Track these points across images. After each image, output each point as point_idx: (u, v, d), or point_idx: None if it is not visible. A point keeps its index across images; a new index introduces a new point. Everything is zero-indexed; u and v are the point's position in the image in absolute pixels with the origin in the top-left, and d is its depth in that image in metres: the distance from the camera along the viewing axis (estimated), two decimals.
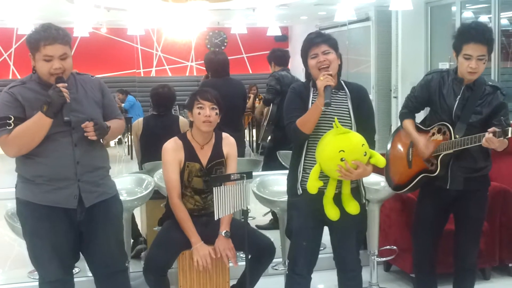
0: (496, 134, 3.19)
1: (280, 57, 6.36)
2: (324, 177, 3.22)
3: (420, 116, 3.86)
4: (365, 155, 3.13)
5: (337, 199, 3.27)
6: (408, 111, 3.79)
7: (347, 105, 3.30)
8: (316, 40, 3.28)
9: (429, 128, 3.65)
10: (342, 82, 3.37)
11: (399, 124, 3.91)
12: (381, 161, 3.20)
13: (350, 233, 3.38)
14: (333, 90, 3.24)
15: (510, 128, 3.17)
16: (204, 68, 5.82)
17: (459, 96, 3.52)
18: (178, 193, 3.71)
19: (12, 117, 2.99)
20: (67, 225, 3.15)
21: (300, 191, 3.30)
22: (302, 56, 3.36)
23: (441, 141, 3.53)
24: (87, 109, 3.14)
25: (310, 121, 3.18)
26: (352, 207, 3.26)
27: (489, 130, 3.23)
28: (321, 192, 3.25)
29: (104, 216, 3.23)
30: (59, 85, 2.98)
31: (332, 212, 3.24)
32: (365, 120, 3.33)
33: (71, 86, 3.12)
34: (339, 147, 3.08)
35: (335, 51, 3.29)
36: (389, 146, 3.99)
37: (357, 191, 3.35)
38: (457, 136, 3.45)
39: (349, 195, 3.27)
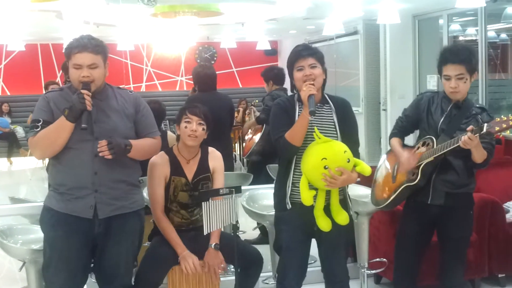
0: (473, 132, 3.23)
1: (278, 76, 6.28)
2: (313, 189, 3.24)
3: (410, 141, 3.90)
4: (348, 162, 3.16)
5: (327, 211, 3.28)
6: (397, 131, 3.83)
7: (332, 119, 3.33)
8: (303, 53, 3.30)
9: (415, 145, 3.69)
10: (326, 96, 3.39)
11: (388, 139, 3.94)
12: (366, 170, 3.23)
13: (339, 244, 3.40)
14: (318, 104, 3.29)
15: (485, 124, 3.22)
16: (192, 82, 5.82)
17: (446, 113, 3.59)
18: (162, 207, 3.72)
19: (42, 120, 3.09)
20: (81, 238, 3.17)
21: (289, 206, 3.31)
22: (288, 68, 3.37)
23: (424, 152, 3.57)
24: (114, 121, 3.19)
25: (299, 133, 3.20)
26: (342, 218, 3.28)
27: (468, 128, 3.28)
28: (308, 206, 3.26)
29: (118, 231, 3.24)
30: (83, 91, 3.04)
31: (324, 224, 3.26)
32: (350, 133, 3.36)
33: (104, 97, 3.21)
34: (321, 155, 3.12)
35: (321, 65, 3.31)
36: (378, 168, 4.02)
37: (344, 202, 3.36)
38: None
39: (338, 206, 3.29)
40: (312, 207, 3.26)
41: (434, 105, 3.65)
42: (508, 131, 4.88)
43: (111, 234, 3.23)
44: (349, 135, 3.34)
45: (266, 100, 6.15)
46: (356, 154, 3.32)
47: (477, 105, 3.65)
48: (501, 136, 6.57)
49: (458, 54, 3.47)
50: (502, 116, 3.20)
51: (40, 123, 3.09)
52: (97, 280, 3.41)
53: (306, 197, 3.21)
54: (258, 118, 6.41)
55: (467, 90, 3.54)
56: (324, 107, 3.35)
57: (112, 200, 3.20)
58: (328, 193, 3.26)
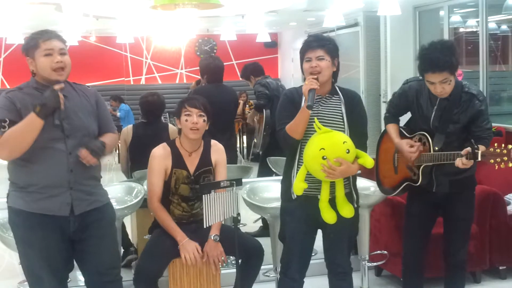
0: (467, 157, 3.27)
1: (254, 69, 6.40)
2: (317, 182, 3.25)
3: (405, 118, 3.90)
4: (348, 153, 3.14)
5: (332, 204, 3.28)
6: (391, 115, 3.85)
7: (341, 110, 3.31)
8: (313, 44, 3.29)
9: (411, 136, 3.68)
10: (336, 87, 3.38)
11: (384, 122, 3.95)
12: (369, 162, 3.22)
13: (343, 236, 3.40)
14: (327, 95, 3.30)
15: (479, 152, 3.24)
16: (195, 75, 5.82)
17: (435, 107, 3.57)
18: (158, 197, 3.71)
19: (8, 120, 2.99)
20: (59, 235, 3.13)
21: (294, 196, 3.31)
22: (300, 58, 3.37)
23: (422, 151, 3.56)
24: (82, 118, 3.14)
25: (298, 126, 3.20)
26: (347, 211, 3.28)
27: (462, 152, 3.29)
28: (314, 197, 3.27)
29: (97, 224, 3.21)
30: (56, 86, 3.00)
31: (329, 216, 3.26)
32: (357, 125, 3.34)
33: (67, 93, 3.13)
34: (320, 145, 3.12)
35: (331, 57, 3.29)
36: (377, 148, 4.01)
37: (350, 196, 3.36)
38: (436, 148, 3.51)
39: (343, 199, 3.28)
40: (317, 199, 3.27)
41: (422, 97, 3.62)
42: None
43: (90, 229, 3.18)
44: (356, 127, 3.33)
45: (256, 88, 6.24)
46: (362, 146, 3.31)
47: (466, 89, 3.54)
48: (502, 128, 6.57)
49: (438, 63, 3.36)
50: (496, 149, 3.21)
51: (6, 123, 2.97)
52: (84, 277, 3.35)
53: (297, 186, 3.22)
54: (255, 106, 6.43)
55: (453, 86, 3.48)
56: (333, 98, 3.35)
57: (86, 196, 3.17)
58: (333, 185, 3.26)
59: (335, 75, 3.37)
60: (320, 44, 3.29)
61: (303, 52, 3.33)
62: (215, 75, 5.60)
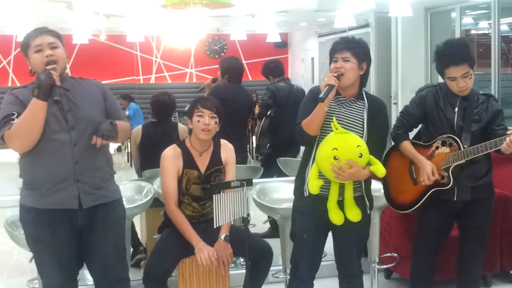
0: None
1: (274, 69, 6.35)
2: (329, 183, 3.23)
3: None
4: (360, 157, 3.12)
5: (341, 205, 3.27)
6: (403, 131, 3.78)
7: (363, 116, 3.30)
8: (339, 46, 3.32)
9: (429, 143, 3.65)
10: (363, 92, 3.37)
11: (392, 139, 3.86)
12: (381, 171, 3.19)
13: (351, 240, 3.39)
14: (351, 99, 3.31)
15: None
16: (208, 74, 5.87)
17: (456, 108, 3.56)
18: (175, 200, 3.70)
19: (16, 113, 3.01)
20: (68, 231, 3.12)
21: (307, 193, 3.30)
22: (329, 59, 3.38)
23: (449, 153, 3.53)
24: (86, 110, 3.14)
25: (314, 122, 3.21)
26: (353, 214, 3.25)
27: (509, 132, 3.31)
28: (325, 198, 3.26)
29: (103, 221, 3.19)
30: (48, 67, 3.01)
31: (336, 217, 3.25)
32: (377, 133, 3.32)
33: (70, 85, 3.15)
34: (333, 145, 3.11)
35: (358, 60, 3.28)
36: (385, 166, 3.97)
37: (362, 200, 3.33)
38: (465, 146, 3.48)
39: (351, 201, 3.26)
40: (327, 199, 3.25)
41: (441, 101, 3.61)
42: None
43: (97, 225, 3.17)
44: (375, 135, 3.30)
45: (263, 95, 6.25)
46: (378, 155, 3.28)
47: (481, 92, 3.63)
48: None
49: (458, 56, 3.44)
50: None
51: (15, 116, 2.99)
52: (91, 274, 3.35)
53: (312, 185, 3.20)
54: (257, 115, 6.45)
55: (473, 82, 3.54)
56: (358, 102, 3.33)
57: (94, 190, 3.15)
58: (342, 187, 3.24)
59: (363, 79, 3.35)
60: (347, 46, 3.30)
61: (332, 53, 3.35)
62: (237, 75, 5.71)
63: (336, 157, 3.08)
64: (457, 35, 8.64)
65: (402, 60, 9.44)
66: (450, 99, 3.58)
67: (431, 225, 3.73)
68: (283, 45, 15.41)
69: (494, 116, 3.57)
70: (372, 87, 10.46)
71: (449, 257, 3.84)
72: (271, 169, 5.88)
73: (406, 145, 3.73)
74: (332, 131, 3.16)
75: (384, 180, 3.84)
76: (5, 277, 5.19)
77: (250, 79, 15.43)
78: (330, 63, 3.35)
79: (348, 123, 3.26)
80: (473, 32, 9.54)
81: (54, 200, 3.08)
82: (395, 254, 4.51)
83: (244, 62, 15.47)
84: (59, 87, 3.01)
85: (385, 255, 4.53)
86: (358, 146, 3.13)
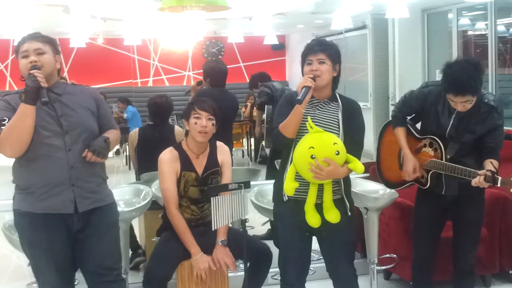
0: (485, 179, 3.25)
1: (261, 76, 6.71)
2: (307, 186, 3.20)
3: None
4: (337, 154, 3.10)
5: (321, 209, 3.23)
6: (402, 115, 3.82)
7: (337, 117, 3.28)
8: (314, 48, 3.27)
9: (421, 137, 3.66)
10: (337, 94, 3.36)
11: (392, 118, 3.93)
12: (359, 168, 3.17)
13: (338, 244, 3.34)
14: (325, 100, 3.29)
15: (500, 178, 3.22)
16: (201, 77, 5.79)
17: (453, 116, 3.53)
18: (176, 204, 3.69)
19: (7, 118, 3.00)
20: (64, 235, 3.12)
21: (286, 198, 3.27)
22: (301, 62, 3.35)
23: (432, 157, 3.55)
24: (79, 114, 3.14)
25: (291, 124, 3.18)
26: (332, 216, 3.21)
27: (480, 172, 3.28)
28: (304, 202, 3.22)
29: (99, 223, 3.20)
30: (32, 71, 3.00)
31: (313, 219, 3.21)
32: (353, 134, 3.29)
33: (62, 91, 3.15)
34: (309, 144, 3.09)
35: (332, 62, 3.26)
36: (379, 139, 4.03)
37: (342, 202, 3.31)
38: (448, 156, 3.49)
39: (330, 203, 3.22)
40: (305, 202, 3.23)
41: (440, 104, 3.58)
42: None
43: (92, 227, 3.17)
44: (352, 136, 3.28)
45: (259, 89, 6.42)
46: (356, 154, 3.25)
47: (486, 100, 3.50)
48: None
49: (463, 88, 3.32)
50: None
51: (5, 122, 2.99)
52: (85, 277, 3.32)
53: (287, 187, 3.17)
54: (258, 106, 6.54)
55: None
56: (332, 104, 3.31)
57: (89, 194, 3.16)
58: (321, 190, 3.21)
59: (335, 81, 3.34)
60: (322, 48, 3.27)
61: (305, 55, 3.30)
62: (218, 79, 5.53)
63: (313, 156, 3.06)
64: (454, 36, 8.66)
65: (399, 61, 9.46)
66: (450, 105, 3.51)
67: (425, 215, 3.79)
68: (280, 47, 15.45)
69: (490, 130, 3.51)
70: (369, 88, 10.48)
71: (446, 258, 3.86)
72: (275, 172, 5.86)
73: (400, 134, 3.77)
74: (308, 132, 3.15)
75: (378, 151, 3.98)
76: (5, 281, 5.19)
77: (248, 81, 15.48)
78: (302, 66, 3.32)
79: (324, 124, 3.23)
80: (470, 33, 9.55)
81: (50, 204, 3.07)
82: (394, 255, 4.51)
83: (241, 64, 15.64)
84: (47, 89, 3.01)
85: (384, 256, 4.52)
86: (334, 143, 3.11)
